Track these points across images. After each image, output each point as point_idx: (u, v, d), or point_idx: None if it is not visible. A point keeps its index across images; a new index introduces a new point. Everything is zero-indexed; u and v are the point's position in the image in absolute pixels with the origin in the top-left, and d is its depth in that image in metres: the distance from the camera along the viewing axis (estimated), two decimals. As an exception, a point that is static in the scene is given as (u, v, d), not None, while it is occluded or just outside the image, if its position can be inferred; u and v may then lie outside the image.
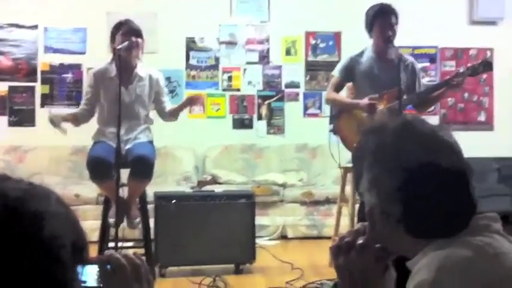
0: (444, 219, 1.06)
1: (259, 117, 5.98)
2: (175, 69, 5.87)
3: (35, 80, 5.81)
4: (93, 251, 1.08)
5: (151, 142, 3.76)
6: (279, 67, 6.03)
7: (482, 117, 6.17)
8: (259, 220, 4.62)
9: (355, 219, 3.74)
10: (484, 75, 3.55)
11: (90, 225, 4.15)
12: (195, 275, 3.67)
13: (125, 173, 3.54)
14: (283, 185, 5.28)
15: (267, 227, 5.04)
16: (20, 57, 5.80)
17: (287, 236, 5.09)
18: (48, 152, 5.48)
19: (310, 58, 6.06)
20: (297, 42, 6.04)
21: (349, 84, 4.01)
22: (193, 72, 5.95)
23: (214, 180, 5.38)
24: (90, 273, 0.98)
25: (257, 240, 4.11)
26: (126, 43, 3.48)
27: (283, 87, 6.02)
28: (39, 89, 5.81)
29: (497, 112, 6.15)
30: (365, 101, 3.63)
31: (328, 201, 5.06)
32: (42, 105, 5.79)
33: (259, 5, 5.99)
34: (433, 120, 5.77)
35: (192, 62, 5.95)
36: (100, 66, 3.74)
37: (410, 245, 1.08)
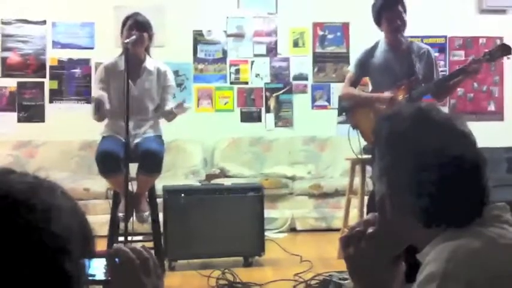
0: (456, 208, 1.05)
1: (268, 110, 5.97)
2: (183, 62, 5.87)
3: (43, 76, 5.83)
4: (102, 245, 1.08)
5: (160, 136, 3.77)
6: (287, 59, 6.01)
7: (492, 107, 6.12)
8: (268, 213, 4.62)
9: (364, 210, 3.73)
10: (506, 58, 3.46)
11: (100, 220, 4.16)
12: (204, 268, 3.68)
13: (133, 167, 3.55)
14: (292, 178, 5.28)
15: (275, 219, 5.05)
16: (28, 52, 5.83)
17: (296, 228, 5.09)
18: (57, 147, 5.52)
19: (318, 50, 6.03)
20: (305, 34, 6.02)
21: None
22: (201, 66, 5.95)
23: (223, 174, 5.39)
24: (98, 267, 0.99)
25: (266, 233, 4.11)
26: (133, 37, 3.48)
27: (291, 80, 6.00)
28: (48, 84, 5.83)
29: (507, 102, 6.10)
30: (387, 94, 3.61)
31: (337, 193, 5.05)
32: (51, 100, 5.82)
33: (266, -4, 5.97)
34: (443, 110, 5.73)
35: (200, 55, 5.95)
36: (110, 60, 3.74)
37: (421, 235, 1.07)
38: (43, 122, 5.78)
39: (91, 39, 5.85)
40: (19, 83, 5.80)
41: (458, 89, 5.88)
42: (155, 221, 3.66)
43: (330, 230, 4.88)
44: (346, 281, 2.98)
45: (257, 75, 5.98)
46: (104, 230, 3.66)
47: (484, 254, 0.98)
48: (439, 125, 1.09)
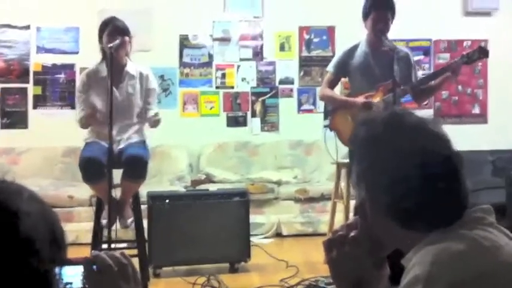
0: (435, 210, 1.05)
1: (253, 115, 5.95)
2: (169, 67, 5.85)
3: (27, 81, 5.78)
4: (86, 253, 1.06)
5: (144, 142, 3.74)
6: (273, 63, 6.00)
7: (476, 110, 6.15)
8: (254, 218, 4.61)
9: (350, 215, 3.73)
10: (480, 63, 3.51)
11: (84, 227, 4.14)
12: (189, 275, 3.66)
13: (117, 174, 3.51)
14: (278, 183, 5.27)
15: (261, 225, 5.03)
16: (12, 58, 5.77)
17: (282, 233, 5.07)
18: (41, 154, 5.47)
19: (304, 53, 6.03)
20: (291, 38, 6.01)
21: (343, 79, 4.00)
22: (186, 70, 5.93)
23: (209, 179, 5.36)
24: (75, 275, 0.97)
25: (252, 239, 4.10)
26: (117, 41, 3.44)
27: (277, 84, 6.00)
28: (32, 90, 5.78)
29: (491, 104, 6.13)
30: (361, 99, 3.62)
31: (323, 197, 5.05)
32: (35, 106, 5.76)
33: (252, 0, 5.97)
34: (427, 113, 5.76)
35: (186, 59, 5.92)
36: (91, 67, 3.71)
37: (403, 238, 1.07)
38: (26, 129, 5.72)
39: (75, 44, 5.81)
40: (2, 89, 5.74)
41: (443, 92, 5.92)
42: (139, 227, 3.62)
43: (316, 234, 4.86)
44: (332, 286, 2.97)
45: (243, 79, 5.96)
46: (88, 238, 3.63)
47: (467, 256, 0.98)
48: (412, 128, 1.10)
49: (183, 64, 5.91)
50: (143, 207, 3.72)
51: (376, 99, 3.62)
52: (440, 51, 6.13)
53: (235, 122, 5.93)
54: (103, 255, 0.99)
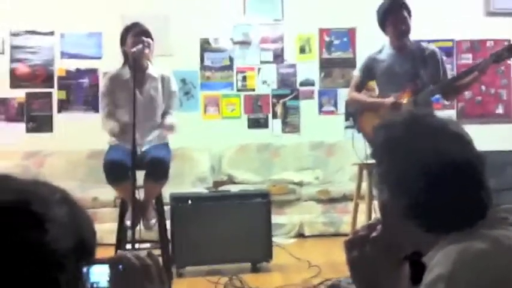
0: (456, 212, 1.04)
1: (274, 116, 5.97)
2: (190, 70, 5.90)
3: (52, 86, 5.88)
4: (110, 254, 1.07)
5: (166, 144, 3.78)
6: (294, 65, 6.01)
7: (500, 110, 6.08)
8: (276, 219, 4.61)
9: (373, 215, 3.72)
10: (508, 62, 3.48)
11: (108, 228, 4.18)
12: (212, 275, 3.68)
13: (141, 175, 3.56)
14: (300, 184, 5.27)
15: (283, 225, 5.03)
16: (37, 63, 5.88)
17: (304, 234, 5.07)
18: (66, 157, 5.55)
19: (325, 55, 6.03)
20: (311, 40, 6.02)
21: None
22: (208, 73, 5.97)
23: (231, 180, 5.39)
24: (101, 274, 0.98)
25: (274, 239, 4.10)
26: (140, 46, 3.49)
27: (298, 86, 6.00)
28: (56, 94, 5.88)
29: (515, 104, 6.06)
30: (390, 99, 3.61)
31: (345, 198, 5.03)
32: (60, 110, 5.86)
33: (272, 3, 5.99)
34: (450, 113, 5.71)
35: (207, 63, 5.97)
36: (113, 72, 3.76)
37: (423, 240, 1.07)
38: (51, 132, 5.82)
39: (99, 49, 5.89)
40: (28, 94, 5.85)
41: (466, 92, 5.85)
42: (162, 228, 3.66)
43: (338, 235, 4.85)
44: (354, 286, 2.96)
45: (264, 81, 5.99)
46: (111, 238, 3.67)
47: (490, 255, 0.98)
48: (432, 129, 1.10)
49: (204, 67, 5.96)
50: (166, 208, 3.76)
51: (405, 100, 3.61)
52: (463, 51, 6.07)
53: (257, 123, 5.95)
54: (128, 255, 1.00)
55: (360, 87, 3.89)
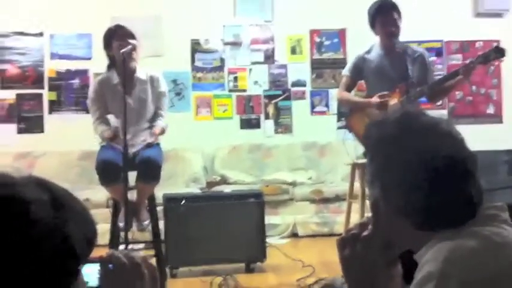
0: (447, 210, 1.04)
1: (267, 117, 5.98)
2: (181, 71, 5.89)
3: (42, 87, 5.85)
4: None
5: (158, 144, 3.76)
6: (285, 66, 6.02)
7: (491, 110, 6.13)
8: (270, 219, 4.62)
9: (366, 215, 3.73)
10: (496, 63, 3.50)
11: (101, 229, 4.11)
12: (205, 275, 3.68)
13: (133, 176, 3.54)
14: (293, 184, 5.28)
15: (277, 225, 5.04)
16: (26, 64, 5.84)
17: (298, 234, 5.08)
18: (57, 158, 5.52)
19: (316, 56, 6.05)
20: (302, 41, 6.03)
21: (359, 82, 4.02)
22: (199, 74, 5.97)
23: (224, 181, 5.39)
24: (91, 273, 0.98)
25: (268, 239, 4.11)
26: (129, 47, 3.47)
27: (289, 86, 6.02)
28: (47, 95, 5.84)
29: (506, 104, 6.11)
30: (376, 99, 3.63)
31: (338, 198, 5.05)
32: (50, 111, 5.83)
33: (262, 4, 6.00)
34: (441, 113, 5.75)
35: (198, 63, 5.96)
36: (101, 76, 3.73)
37: (415, 238, 1.07)
38: (42, 133, 5.79)
39: (88, 50, 5.87)
40: (18, 95, 5.81)
41: (457, 93, 5.90)
42: (156, 228, 3.65)
43: (331, 235, 4.86)
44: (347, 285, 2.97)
45: (255, 82, 5.99)
46: (105, 239, 3.65)
47: (480, 253, 0.98)
48: (424, 128, 1.10)
49: (195, 68, 5.95)
50: (159, 208, 3.75)
51: (393, 101, 3.63)
52: (452, 52, 6.12)
53: (249, 124, 5.96)
54: (118, 254, 1.00)
55: (349, 87, 3.91)
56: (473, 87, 6.05)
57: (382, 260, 1.12)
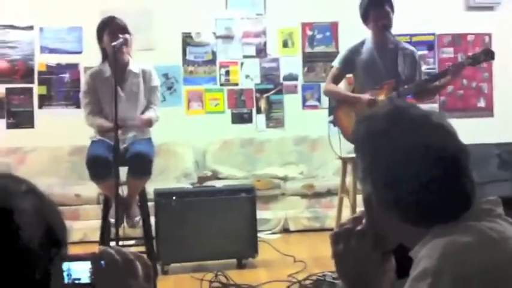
0: (441, 204, 1.04)
1: (258, 111, 5.96)
2: (173, 65, 5.85)
3: (32, 81, 5.79)
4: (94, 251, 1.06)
5: (149, 139, 3.74)
6: (277, 60, 6.00)
7: (482, 104, 6.14)
8: (261, 214, 4.61)
9: (357, 209, 3.73)
10: (485, 65, 3.54)
11: (92, 225, 4.15)
12: (197, 271, 3.67)
13: (124, 171, 3.52)
14: (284, 178, 5.27)
15: (268, 220, 5.04)
16: (16, 58, 5.78)
17: (289, 229, 5.08)
18: (47, 153, 5.48)
19: (308, 50, 6.03)
20: (294, 34, 6.01)
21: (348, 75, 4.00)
22: (190, 68, 5.93)
23: (215, 176, 5.37)
24: (83, 270, 0.96)
25: (259, 234, 4.11)
26: (120, 40, 3.44)
27: (281, 80, 6.00)
28: (37, 90, 5.79)
29: (496, 98, 6.12)
30: (366, 96, 3.62)
31: (329, 193, 5.04)
32: (40, 106, 5.78)
33: (254, -3, 5.97)
34: (433, 107, 5.75)
35: (189, 57, 5.93)
36: (94, 68, 3.71)
37: (408, 233, 1.07)
38: (32, 128, 5.74)
39: (79, 44, 5.82)
40: (7, 89, 5.76)
41: (448, 87, 5.90)
42: (147, 224, 3.63)
43: (323, 229, 4.86)
44: (339, 280, 2.97)
45: (247, 76, 5.97)
46: (95, 235, 3.65)
47: (475, 248, 0.98)
48: (414, 121, 1.09)
49: (186, 62, 5.92)
50: (150, 204, 3.74)
51: (381, 97, 3.63)
52: (444, 45, 6.11)
53: (240, 118, 5.94)
54: (110, 251, 0.99)
55: (338, 79, 3.89)
56: (464, 81, 6.06)
57: (376, 254, 1.12)
